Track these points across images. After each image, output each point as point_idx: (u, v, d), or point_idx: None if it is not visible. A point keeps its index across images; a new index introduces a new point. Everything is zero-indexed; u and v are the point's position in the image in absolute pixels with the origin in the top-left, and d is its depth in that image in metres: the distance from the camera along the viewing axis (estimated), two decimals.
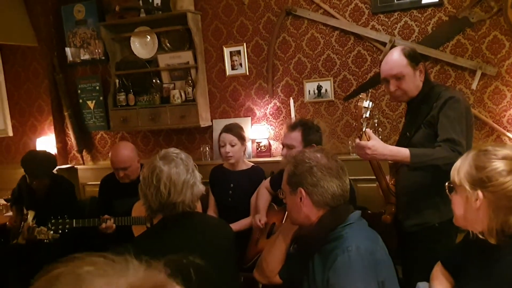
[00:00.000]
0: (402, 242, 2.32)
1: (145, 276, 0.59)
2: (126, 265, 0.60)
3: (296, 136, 2.54)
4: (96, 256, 0.60)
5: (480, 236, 1.34)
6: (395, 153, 2.04)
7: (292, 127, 2.58)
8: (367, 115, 2.06)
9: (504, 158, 1.30)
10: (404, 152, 2.02)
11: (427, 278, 1.65)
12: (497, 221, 1.29)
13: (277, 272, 1.73)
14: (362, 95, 2.09)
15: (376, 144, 2.01)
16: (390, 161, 2.24)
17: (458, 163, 1.39)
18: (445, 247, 1.72)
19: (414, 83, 2.18)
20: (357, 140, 2.07)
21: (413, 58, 2.18)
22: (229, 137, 3.01)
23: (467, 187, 1.32)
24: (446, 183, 1.41)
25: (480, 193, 1.30)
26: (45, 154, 3.42)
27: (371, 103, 2.07)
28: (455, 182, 1.37)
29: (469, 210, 1.34)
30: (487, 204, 1.30)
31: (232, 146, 3.00)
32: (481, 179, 1.30)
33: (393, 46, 3.18)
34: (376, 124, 3.33)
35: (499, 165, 1.29)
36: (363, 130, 2.06)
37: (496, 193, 1.28)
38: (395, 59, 2.19)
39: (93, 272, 0.57)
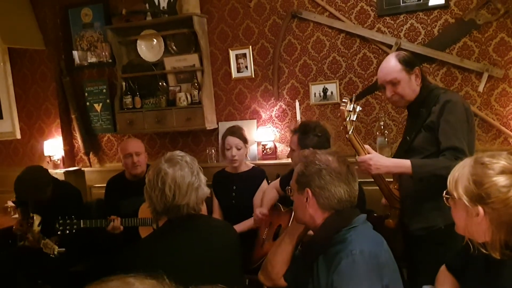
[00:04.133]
0: (408, 245, 2.31)
1: None
2: None
3: (294, 140, 2.59)
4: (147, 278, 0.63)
5: (483, 251, 1.31)
6: (398, 163, 2.12)
7: (293, 131, 2.66)
8: (353, 119, 2.11)
9: (502, 172, 1.26)
10: (406, 163, 2.08)
11: (432, 281, 1.64)
12: (500, 236, 1.26)
13: (282, 275, 1.72)
14: (346, 98, 2.13)
15: (375, 156, 2.10)
16: (393, 173, 2.25)
17: (455, 174, 1.34)
18: (451, 249, 1.71)
19: (410, 87, 2.21)
20: (357, 157, 2.14)
21: (408, 63, 2.21)
22: (235, 141, 3.04)
23: (467, 203, 1.28)
24: (444, 193, 1.38)
25: (480, 209, 1.27)
26: (35, 173, 3.25)
27: (358, 107, 2.11)
28: (453, 195, 1.33)
29: (469, 223, 1.31)
30: (489, 219, 1.27)
31: (238, 149, 3.04)
32: (480, 195, 1.26)
33: (399, 49, 3.18)
34: (382, 127, 3.32)
35: (498, 180, 1.25)
36: (349, 133, 2.10)
37: (497, 209, 1.25)
38: (390, 65, 2.22)
39: None
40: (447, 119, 2.08)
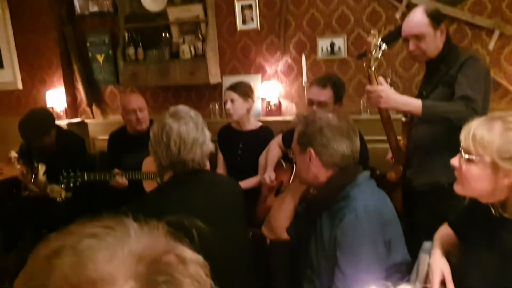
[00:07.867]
0: (409, 202, 2.34)
1: (149, 242, 0.55)
2: (127, 232, 0.55)
3: (329, 93, 2.54)
4: (95, 226, 0.56)
5: (494, 212, 1.32)
6: (407, 100, 2.06)
7: (323, 85, 2.56)
8: (378, 56, 2.07)
9: None
10: (416, 102, 2.03)
11: (432, 238, 1.66)
12: None
13: (285, 229, 1.76)
14: (374, 30, 2.09)
15: (387, 90, 2.05)
16: (402, 111, 2.21)
17: (484, 135, 1.29)
18: (452, 208, 1.72)
19: (434, 43, 2.16)
20: (368, 86, 2.08)
21: (435, 18, 2.15)
22: (229, 94, 2.99)
23: (503, 164, 1.26)
24: (464, 156, 1.34)
25: None
26: (39, 113, 3.29)
27: (384, 44, 2.06)
28: (482, 156, 1.29)
29: (496, 184, 1.29)
30: None
31: (232, 102, 2.97)
32: None
33: (409, 3, 3.08)
34: (389, 84, 3.26)
35: None
36: (372, 69, 2.06)
37: None
38: (417, 18, 2.17)
39: (94, 245, 0.53)
40: (466, 73, 2.04)
